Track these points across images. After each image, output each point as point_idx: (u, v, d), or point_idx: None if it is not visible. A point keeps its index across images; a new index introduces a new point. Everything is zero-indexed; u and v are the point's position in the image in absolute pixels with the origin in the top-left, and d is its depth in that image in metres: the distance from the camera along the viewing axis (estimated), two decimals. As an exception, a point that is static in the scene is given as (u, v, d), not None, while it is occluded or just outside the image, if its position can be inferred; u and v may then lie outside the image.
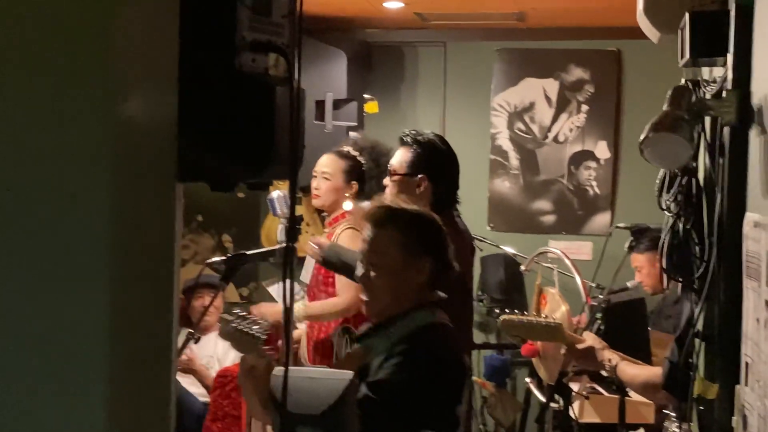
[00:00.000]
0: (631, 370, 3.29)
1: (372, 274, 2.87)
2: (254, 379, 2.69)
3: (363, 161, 4.66)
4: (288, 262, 1.79)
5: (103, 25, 1.46)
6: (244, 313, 2.92)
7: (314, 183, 4.60)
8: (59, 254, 1.45)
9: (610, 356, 3.32)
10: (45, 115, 1.45)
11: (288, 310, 1.88)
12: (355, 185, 4.54)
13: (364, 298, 2.93)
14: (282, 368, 2.46)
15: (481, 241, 5.98)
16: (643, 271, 5.29)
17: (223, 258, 3.16)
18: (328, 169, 4.42)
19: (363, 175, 4.60)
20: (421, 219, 2.95)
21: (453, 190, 4.07)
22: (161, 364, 1.69)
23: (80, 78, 1.45)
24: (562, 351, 3.43)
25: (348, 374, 2.41)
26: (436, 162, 3.97)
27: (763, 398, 1.98)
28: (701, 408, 2.49)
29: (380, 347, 2.78)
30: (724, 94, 2.28)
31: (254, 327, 2.83)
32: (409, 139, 3.98)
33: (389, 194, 3.92)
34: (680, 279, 2.83)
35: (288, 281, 1.72)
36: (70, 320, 1.45)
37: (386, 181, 4.02)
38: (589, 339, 3.42)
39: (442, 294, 2.93)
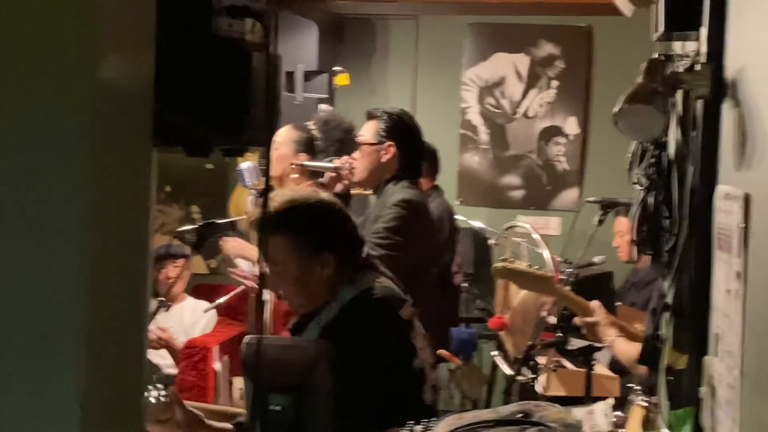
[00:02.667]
0: (625, 347, 3.39)
1: (278, 282, 2.80)
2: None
3: (316, 133, 4.69)
4: (260, 229, 1.79)
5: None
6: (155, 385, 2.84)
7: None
8: (33, 220, 1.44)
9: (610, 332, 3.42)
10: (22, 78, 1.44)
11: (261, 281, 1.88)
12: (302, 156, 4.54)
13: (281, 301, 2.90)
14: (254, 337, 2.47)
15: (450, 215, 6.00)
16: (625, 237, 5.29)
17: (194, 227, 3.15)
18: (278, 138, 4.43)
19: (314, 147, 4.63)
20: (311, 212, 2.78)
21: (418, 159, 4.17)
22: (135, 334, 1.68)
23: (58, 41, 1.44)
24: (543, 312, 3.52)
25: (321, 342, 2.41)
26: (403, 130, 4.07)
27: (732, 369, 2.00)
28: (670, 378, 2.52)
29: (313, 335, 2.73)
30: (697, 67, 2.30)
31: (157, 393, 2.73)
32: (377, 112, 4.08)
33: (356, 165, 4.00)
34: (650, 252, 2.85)
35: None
36: (44, 286, 1.44)
37: (355, 154, 4.08)
38: (599, 313, 3.49)
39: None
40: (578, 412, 2.09)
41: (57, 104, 1.45)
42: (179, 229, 3.27)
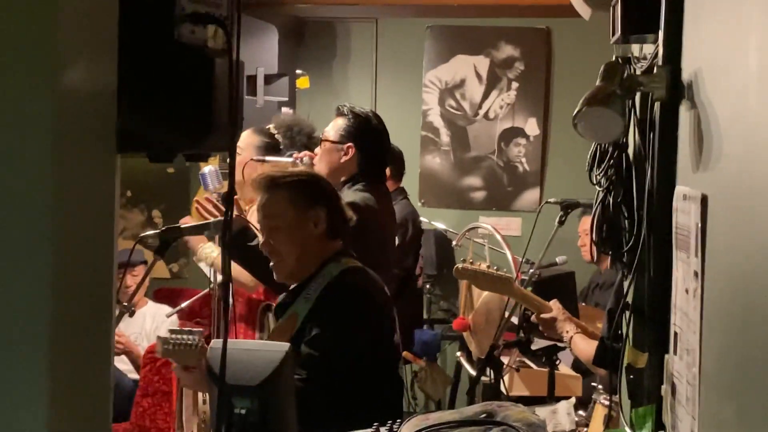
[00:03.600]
0: (582, 344, 3.50)
1: (271, 239, 3.03)
2: (192, 373, 2.92)
3: (280, 139, 4.68)
4: (225, 234, 1.80)
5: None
6: (175, 329, 2.98)
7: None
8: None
9: (568, 328, 3.55)
10: None
11: (227, 279, 1.88)
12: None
13: (272, 263, 3.05)
14: (220, 341, 2.47)
15: (412, 217, 6.02)
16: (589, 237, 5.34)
17: (157, 231, 3.14)
18: (240, 144, 4.41)
19: (277, 151, 4.62)
20: (305, 176, 3.19)
21: (380, 163, 4.12)
22: (101, 340, 1.68)
23: (23, 47, 1.43)
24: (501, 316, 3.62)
25: (284, 346, 2.42)
26: (367, 133, 4.01)
27: (692, 366, 2.03)
28: (631, 377, 2.55)
29: (303, 310, 2.90)
30: (655, 70, 2.33)
31: (189, 336, 2.87)
32: (345, 110, 4.02)
33: (316, 162, 4.01)
34: (609, 252, 2.88)
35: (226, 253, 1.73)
36: (10, 295, 1.44)
37: (316, 150, 4.05)
38: (555, 309, 3.64)
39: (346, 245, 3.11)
40: (541, 412, 2.12)
41: (19, 110, 1.45)
42: (143, 234, 3.26)
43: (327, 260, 3.02)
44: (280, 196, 3.04)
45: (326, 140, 4.00)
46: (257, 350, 2.41)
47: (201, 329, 2.96)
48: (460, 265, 3.85)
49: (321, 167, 3.96)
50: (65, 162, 1.50)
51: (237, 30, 1.84)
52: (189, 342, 2.82)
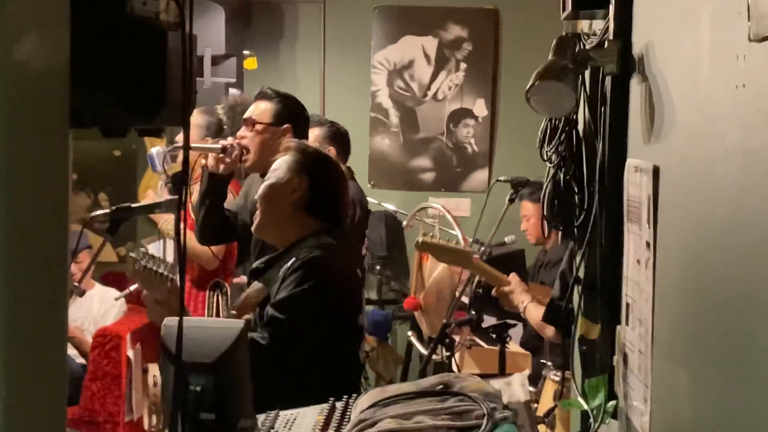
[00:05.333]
0: (534, 311, 3.67)
1: (260, 191, 3.11)
2: (168, 311, 2.81)
3: (224, 118, 4.67)
4: (179, 212, 1.79)
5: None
6: (151, 253, 2.94)
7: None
8: None
9: (524, 299, 3.70)
10: None
11: (182, 258, 1.87)
12: (207, 140, 4.52)
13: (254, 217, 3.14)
14: (175, 318, 2.46)
15: (361, 198, 6.03)
16: (531, 220, 5.39)
17: (107, 211, 3.11)
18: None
19: (221, 131, 4.60)
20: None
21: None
22: (56, 323, 1.66)
23: None
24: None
25: (239, 323, 2.41)
26: (299, 114, 4.03)
27: (644, 336, 2.06)
28: (584, 348, 2.58)
29: (276, 279, 2.93)
30: (606, 44, 2.35)
31: (162, 265, 2.85)
32: (270, 92, 3.98)
33: (250, 146, 3.90)
34: (560, 228, 2.91)
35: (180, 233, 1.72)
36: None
37: (243, 132, 3.94)
38: (514, 282, 3.79)
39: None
40: (496, 384, 2.13)
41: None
42: (93, 214, 3.23)
43: (306, 236, 3.03)
44: (287, 156, 3.11)
45: (262, 123, 3.91)
46: (212, 327, 2.40)
47: (170, 262, 2.89)
48: (421, 239, 3.95)
49: (255, 151, 3.89)
50: (18, 138, 1.47)
51: (190, 2, 1.82)
52: (160, 270, 2.79)
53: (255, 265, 3.15)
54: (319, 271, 2.91)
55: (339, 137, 5.30)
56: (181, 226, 1.76)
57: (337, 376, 2.91)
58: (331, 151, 5.44)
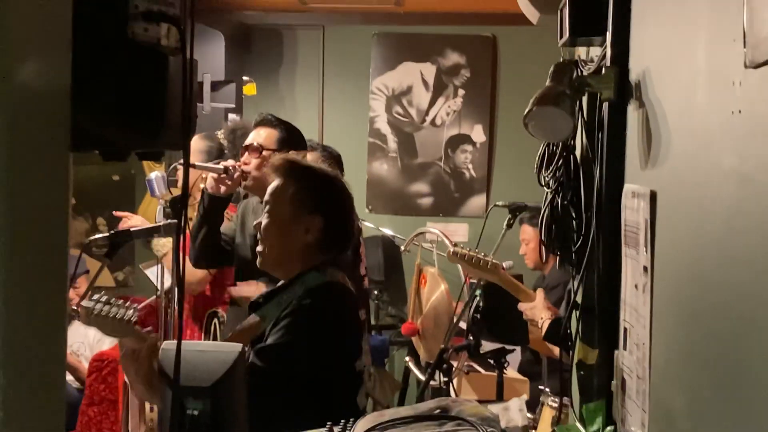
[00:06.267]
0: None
1: (264, 225, 2.88)
2: (137, 362, 2.71)
3: (225, 143, 4.68)
4: (178, 236, 1.80)
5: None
6: (106, 297, 2.85)
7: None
8: None
9: (544, 314, 3.71)
10: None
11: (180, 282, 1.88)
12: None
13: (258, 248, 2.93)
14: (172, 342, 2.46)
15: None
16: (530, 245, 5.41)
17: (106, 235, 3.12)
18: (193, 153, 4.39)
19: (222, 156, 4.61)
20: (322, 176, 2.92)
21: None
22: (55, 347, 1.66)
23: None
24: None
25: (237, 347, 2.41)
26: (299, 142, 4.06)
27: (642, 360, 2.07)
28: (581, 373, 2.58)
29: (273, 315, 2.78)
30: (603, 71, 2.37)
31: (121, 311, 2.77)
32: (272, 118, 4.03)
33: (255, 172, 3.91)
34: (558, 252, 2.92)
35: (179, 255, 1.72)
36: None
37: (247, 158, 3.97)
38: (539, 297, 3.81)
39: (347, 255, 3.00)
40: (494, 408, 2.14)
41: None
42: (92, 238, 3.23)
43: (310, 269, 2.84)
44: (287, 187, 2.86)
45: (269, 149, 3.95)
46: (209, 351, 2.39)
47: (137, 305, 2.84)
48: (452, 249, 4.05)
49: (263, 176, 3.78)
50: (19, 161, 1.47)
51: (191, 28, 1.84)
52: (119, 316, 2.72)
53: (254, 298, 2.99)
54: (311, 321, 2.74)
55: (334, 160, 5.34)
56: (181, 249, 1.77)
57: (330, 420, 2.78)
58: None
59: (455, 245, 4.09)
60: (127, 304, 2.84)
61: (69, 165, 1.71)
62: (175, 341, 1.95)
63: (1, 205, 1.44)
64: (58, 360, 1.66)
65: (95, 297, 2.85)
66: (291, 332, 2.69)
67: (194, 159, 4.39)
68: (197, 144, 4.52)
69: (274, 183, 2.91)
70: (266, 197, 2.92)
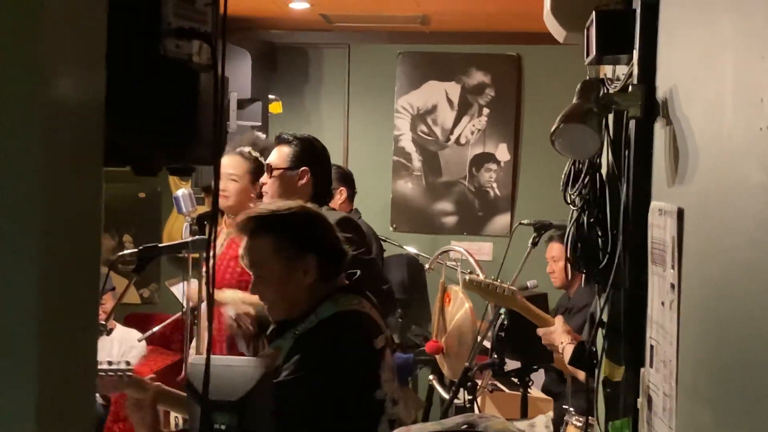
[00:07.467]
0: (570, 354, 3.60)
1: (259, 284, 2.81)
2: (142, 411, 2.76)
3: (263, 161, 4.70)
4: (208, 251, 1.81)
5: (35, 5, 1.46)
6: (105, 361, 2.89)
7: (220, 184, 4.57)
8: None
9: (563, 339, 3.65)
10: None
11: (210, 296, 1.90)
12: (258, 186, 4.55)
13: (264, 305, 2.87)
14: (201, 357, 2.48)
15: (384, 241, 6.06)
16: (559, 263, 5.38)
17: (135, 250, 3.14)
18: (234, 171, 4.40)
19: (262, 174, 4.63)
20: (294, 218, 2.82)
21: (329, 186, 4.16)
22: (87, 359, 1.67)
23: (8, 59, 1.43)
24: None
25: (264, 362, 2.43)
26: (316, 156, 4.05)
27: (669, 378, 2.07)
28: (608, 390, 2.58)
29: (287, 346, 2.73)
30: (630, 88, 2.38)
31: (117, 367, 2.82)
32: (287, 136, 4.04)
33: (268, 194, 3.94)
34: (584, 270, 2.92)
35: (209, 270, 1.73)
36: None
37: (264, 179, 4.01)
38: (558, 323, 3.76)
39: (354, 272, 2.90)
40: (520, 425, 2.14)
41: (6, 123, 1.44)
42: (120, 254, 3.27)
43: (324, 299, 2.78)
44: (264, 243, 2.75)
45: (278, 168, 3.97)
46: (237, 366, 2.42)
47: (129, 365, 2.88)
48: (467, 277, 4.04)
49: (273, 195, 3.92)
50: (54, 176, 1.48)
51: (222, 45, 1.86)
52: (111, 370, 2.78)
53: (270, 330, 2.92)
54: (324, 355, 2.69)
55: (347, 178, 5.36)
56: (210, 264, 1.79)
57: (354, 422, 2.70)
58: (343, 193, 5.46)
59: (470, 273, 4.07)
60: (119, 359, 2.90)
61: (102, 180, 1.73)
62: (203, 356, 1.97)
63: (36, 219, 1.45)
64: (89, 374, 1.67)
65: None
66: (303, 367, 2.63)
67: (244, 181, 4.39)
68: (243, 165, 4.48)
69: (247, 245, 2.80)
70: (247, 260, 2.80)
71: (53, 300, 1.50)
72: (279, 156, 4.01)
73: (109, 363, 2.82)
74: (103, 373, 2.79)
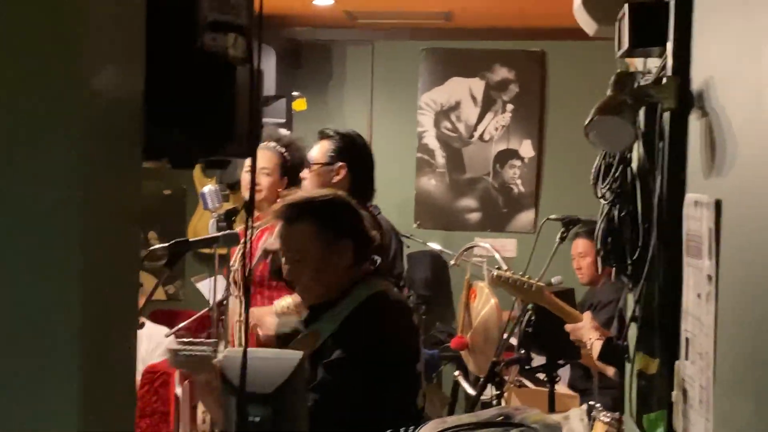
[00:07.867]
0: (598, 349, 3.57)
1: (294, 269, 2.90)
2: (214, 392, 2.75)
3: (289, 157, 4.71)
4: (245, 244, 1.82)
5: (78, 3, 1.47)
6: (186, 339, 2.93)
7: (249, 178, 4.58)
8: (30, 239, 1.43)
9: (592, 335, 3.60)
10: (13, 91, 1.42)
11: (246, 292, 1.90)
12: (285, 180, 4.57)
13: (297, 290, 2.99)
14: (236, 350, 2.49)
15: (407, 238, 6.06)
16: (587, 259, 5.37)
17: (166, 245, 3.16)
18: (267, 164, 4.42)
19: (290, 170, 4.65)
20: (330, 204, 2.94)
21: (370, 182, 4.14)
22: (127, 353, 1.68)
23: (50, 55, 1.44)
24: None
25: (297, 354, 2.43)
26: (355, 152, 4.07)
27: (705, 370, 2.06)
28: (643, 383, 2.57)
29: (327, 330, 2.82)
30: (664, 80, 2.37)
31: (201, 347, 2.86)
32: (330, 131, 4.06)
33: (308, 187, 3.97)
34: (614, 264, 2.91)
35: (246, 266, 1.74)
36: (42, 309, 1.43)
37: (304, 173, 4.06)
38: (586, 319, 3.71)
39: (375, 258, 3.00)
40: (554, 417, 2.14)
41: (49, 117, 1.45)
42: (152, 248, 3.28)
43: (356, 282, 2.90)
44: (303, 229, 2.87)
45: (316, 163, 4.01)
46: (271, 358, 2.42)
47: (213, 340, 2.94)
48: (495, 272, 4.02)
49: (311, 189, 3.91)
50: (94, 170, 1.49)
51: (258, 38, 1.87)
52: (202, 353, 2.81)
53: (305, 315, 3.04)
54: (373, 328, 2.82)
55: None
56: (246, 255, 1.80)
57: (394, 426, 2.76)
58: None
59: (498, 268, 4.06)
60: (204, 341, 2.93)
61: (141, 174, 1.74)
62: (239, 349, 1.98)
63: (77, 212, 1.46)
64: (130, 370, 1.69)
65: (180, 341, 2.93)
66: (357, 344, 2.76)
67: (275, 175, 4.40)
68: (274, 159, 4.49)
69: (285, 231, 2.91)
70: (286, 245, 2.92)
71: (94, 293, 1.51)
72: (319, 150, 4.05)
73: (191, 343, 2.84)
74: (188, 353, 2.81)
